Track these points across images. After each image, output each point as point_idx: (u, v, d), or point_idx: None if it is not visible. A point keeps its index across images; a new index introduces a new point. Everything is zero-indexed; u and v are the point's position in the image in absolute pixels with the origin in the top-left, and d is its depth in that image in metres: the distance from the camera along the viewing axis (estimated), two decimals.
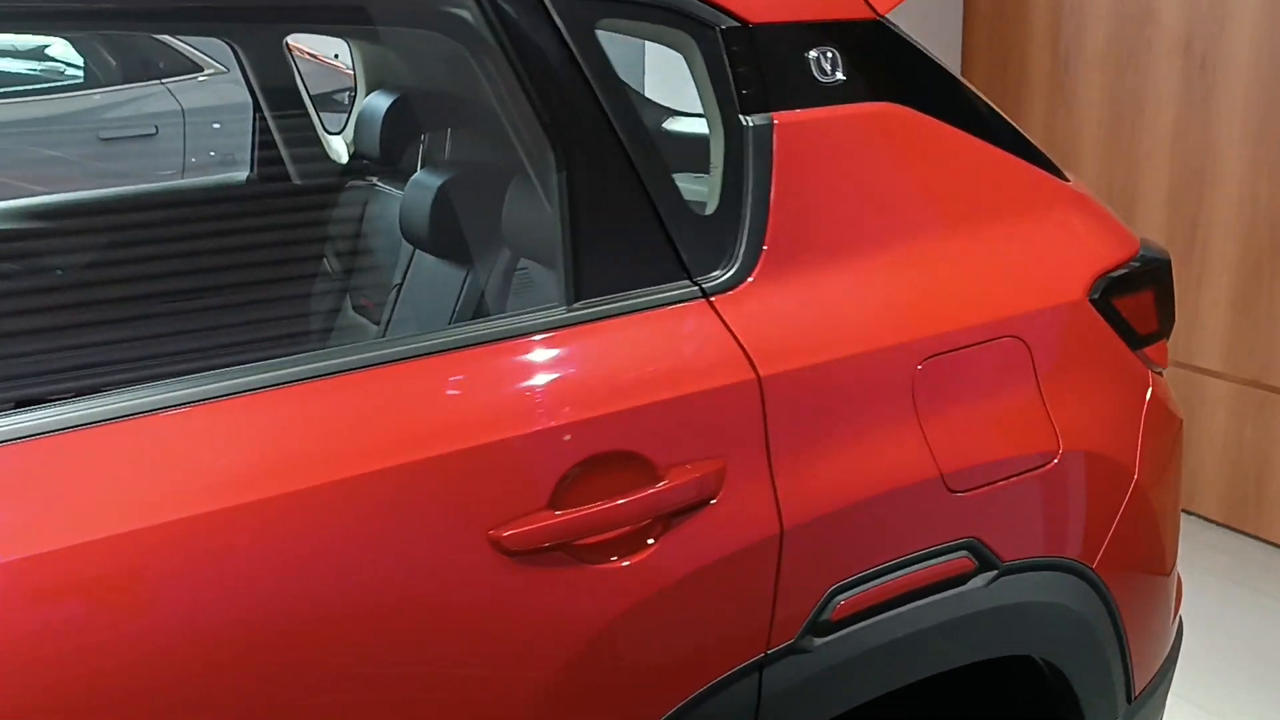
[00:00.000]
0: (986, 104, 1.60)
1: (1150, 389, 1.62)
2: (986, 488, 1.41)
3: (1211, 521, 3.41)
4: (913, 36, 1.56)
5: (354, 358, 1.16)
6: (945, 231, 1.47)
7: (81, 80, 4.84)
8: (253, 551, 1.04)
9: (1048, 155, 1.65)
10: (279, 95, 2.26)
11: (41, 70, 4.91)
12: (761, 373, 1.28)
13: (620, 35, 1.38)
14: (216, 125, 4.52)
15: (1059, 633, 1.50)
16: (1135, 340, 1.59)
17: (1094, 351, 1.55)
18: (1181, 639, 1.83)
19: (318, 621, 1.07)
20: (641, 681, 1.24)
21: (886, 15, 1.50)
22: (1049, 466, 1.46)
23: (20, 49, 4.82)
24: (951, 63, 3.89)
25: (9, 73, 4.80)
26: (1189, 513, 3.43)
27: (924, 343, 1.39)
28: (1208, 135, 3.25)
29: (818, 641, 1.31)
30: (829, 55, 1.42)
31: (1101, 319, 1.54)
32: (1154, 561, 1.65)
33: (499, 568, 1.14)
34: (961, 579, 1.41)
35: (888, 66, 1.49)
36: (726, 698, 1.27)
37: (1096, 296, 1.54)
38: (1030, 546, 1.46)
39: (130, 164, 4.57)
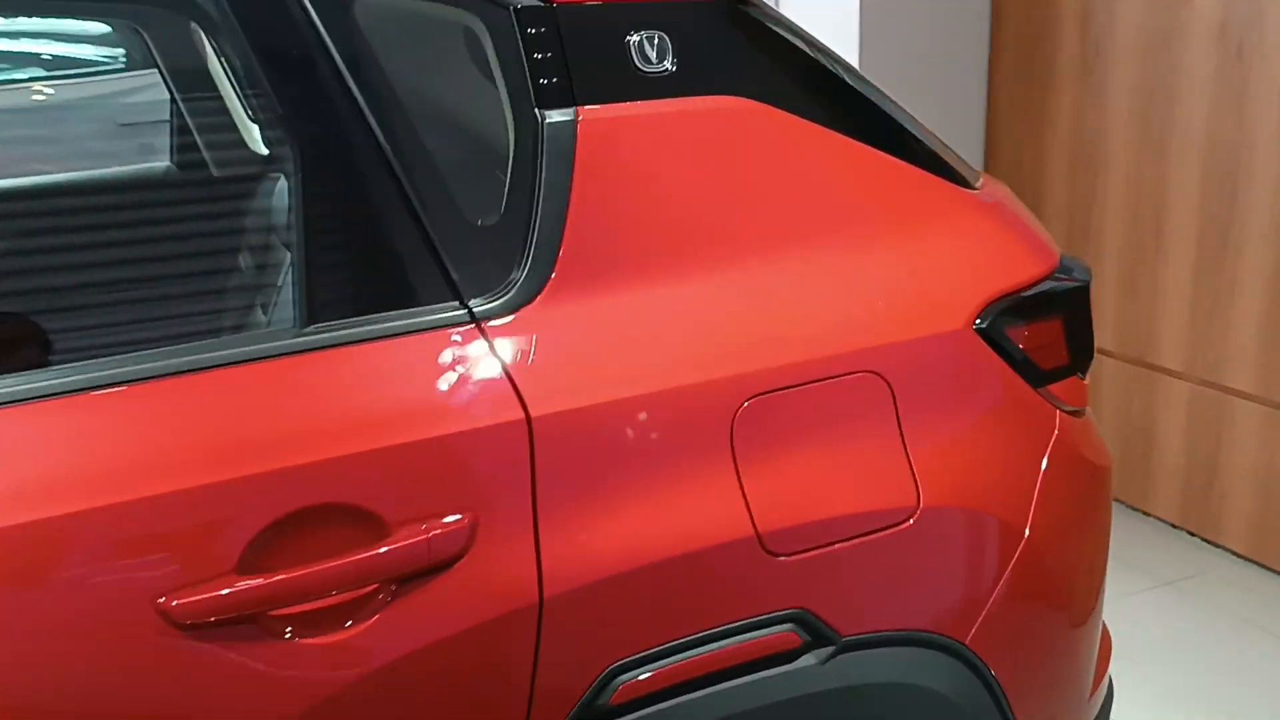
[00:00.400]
0: (873, 100, 1.37)
1: (1056, 433, 1.39)
2: (819, 550, 1.20)
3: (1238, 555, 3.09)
4: (777, 14, 1.34)
5: (22, 386, 1.00)
6: (797, 248, 1.26)
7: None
8: None
9: (950, 157, 1.42)
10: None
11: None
12: (532, 412, 1.09)
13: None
14: None
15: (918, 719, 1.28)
16: (1037, 376, 1.36)
17: (978, 390, 1.33)
18: (1110, 708, 1.59)
19: None
20: None
21: None
22: (905, 525, 1.24)
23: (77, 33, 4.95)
24: (978, 49, 3.62)
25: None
26: (1213, 543, 3.13)
27: (749, 378, 1.18)
28: (1243, 128, 2.93)
29: None
30: (654, 41, 1.22)
31: (991, 352, 1.31)
32: (1054, 633, 1.42)
33: (169, 644, 0.97)
34: (789, 656, 1.20)
35: (732, 54, 1.28)
36: None
37: (985, 325, 1.31)
38: (878, 619, 1.24)
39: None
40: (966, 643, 1.29)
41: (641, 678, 1.13)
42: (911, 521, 1.24)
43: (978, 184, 1.44)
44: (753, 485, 1.17)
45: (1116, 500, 3.28)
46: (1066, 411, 1.42)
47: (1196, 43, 3.02)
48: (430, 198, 1.12)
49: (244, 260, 1.41)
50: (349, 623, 1.02)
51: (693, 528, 1.14)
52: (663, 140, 1.21)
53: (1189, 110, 3.07)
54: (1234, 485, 3.07)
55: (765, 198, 1.26)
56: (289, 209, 1.10)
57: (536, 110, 1.16)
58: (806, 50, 1.35)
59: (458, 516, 1.05)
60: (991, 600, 1.31)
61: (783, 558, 1.18)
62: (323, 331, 1.07)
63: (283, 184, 1.11)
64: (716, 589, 1.16)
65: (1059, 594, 1.42)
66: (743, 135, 1.25)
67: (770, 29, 1.31)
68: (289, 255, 1.11)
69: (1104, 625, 1.59)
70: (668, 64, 1.22)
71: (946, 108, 3.57)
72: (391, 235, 1.11)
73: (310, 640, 1.01)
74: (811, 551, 1.19)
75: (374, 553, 1.02)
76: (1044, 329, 1.37)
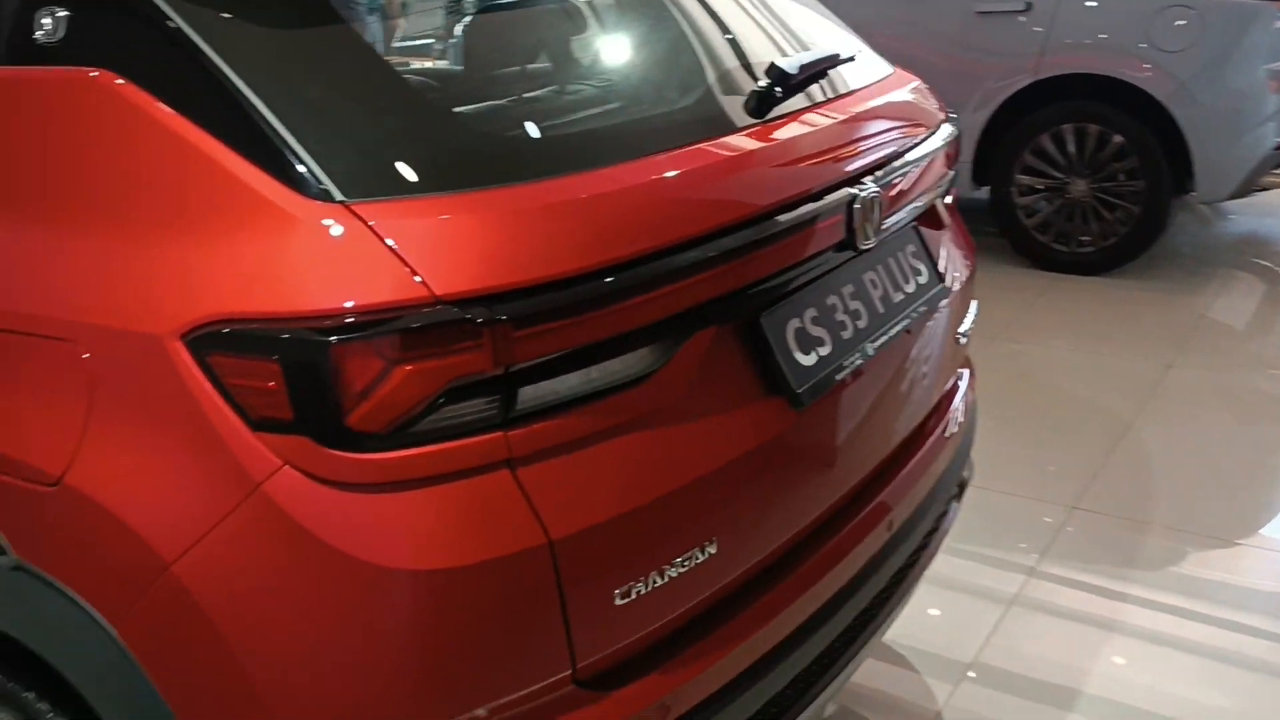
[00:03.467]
0: (245, 101, 1.28)
1: (262, 489, 1.21)
2: None
3: None
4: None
5: None
6: (94, 210, 1.34)
7: None
8: None
9: (299, 165, 1.26)
10: None
11: None
12: None
13: None
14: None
15: None
16: (251, 420, 1.22)
17: (166, 404, 1.25)
18: None
19: None
20: None
21: None
22: (45, 489, 1.31)
23: None
24: None
25: None
26: None
27: None
28: None
29: None
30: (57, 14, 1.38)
31: (199, 372, 1.23)
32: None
33: None
34: None
35: (115, 34, 1.37)
36: None
37: (192, 339, 1.23)
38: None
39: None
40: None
41: None
42: (51, 486, 1.31)
43: (337, 200, 1.24)
44: None
45: None
46: (309, 475, 1.21)
47: None
48: None
49: None
50: None
51: None
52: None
53: None
54: None
55: (84, 161, 1.35)
56: None
57: None
58: (182, 30, 1.32)
59: None
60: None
61: None
62: None
63: None
64: None
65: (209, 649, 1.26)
66: (90, 106, 1.35)
67: (156, 11, 1.32)
68: None
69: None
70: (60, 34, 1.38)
71: None
72: None
73: None
74: None
75: None
76: (252, 368, 1.21)
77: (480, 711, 1.28)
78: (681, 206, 1.42)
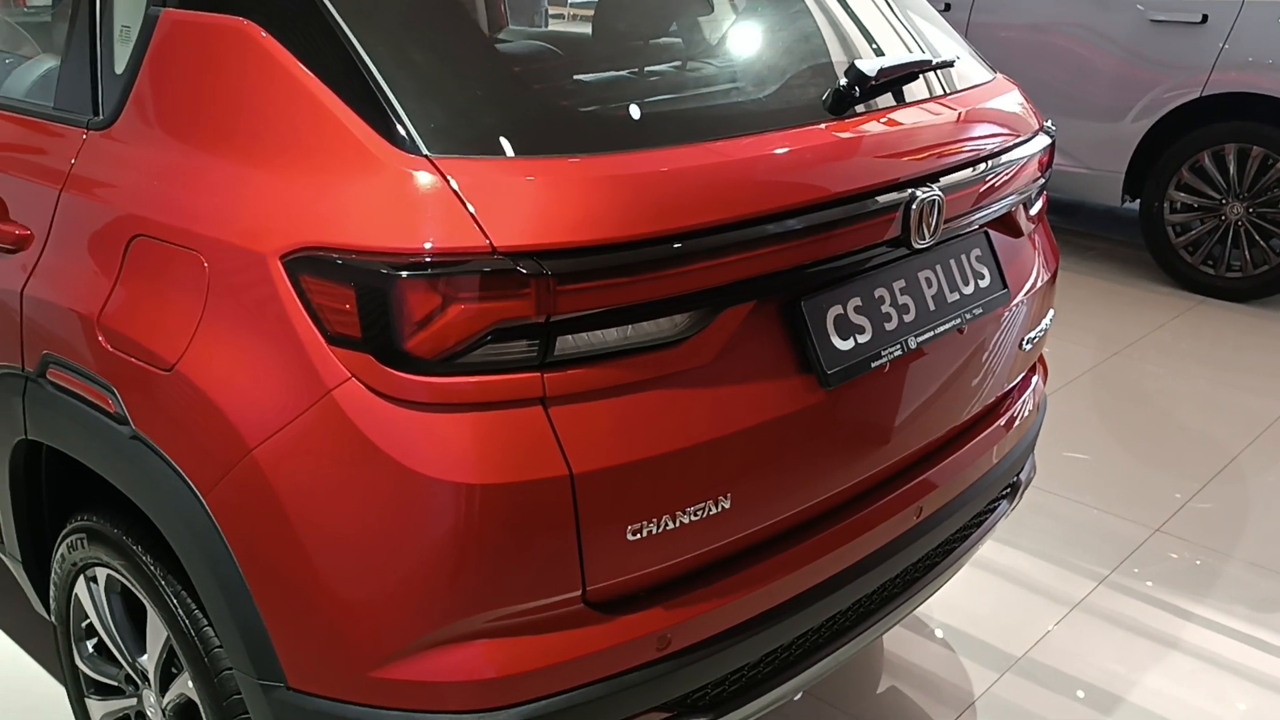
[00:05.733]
0: (355, 55, 1.49)
1: (331, 395, 1.41)
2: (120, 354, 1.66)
3: None
4: None
5: None
6: (227, 141, 1.57)
7: None
8: None
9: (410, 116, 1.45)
10: None
11: None
12: None
13: None
14: None
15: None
16: (328, 335, 1.43)
17: (263, 314, 1.47)
18: None
19: None
20: None
21: None
22: (162, 373, 1.58)
23: None
24: None
25: None
26: None
27: (138, 220, 1.63)
28: None
29: None
30: None
31: (291, 289, 1.44)
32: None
33: None
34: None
35: None
36: None
37: (289, 260, 1.44)
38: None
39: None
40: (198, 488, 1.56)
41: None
42: (166, 371, 1.57)
43: (423, 157, 1.42)
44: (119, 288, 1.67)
45: None
46: (369, 388, 1.40)
47: None
48: None
49: None
50: None
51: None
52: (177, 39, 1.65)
53: None
54: None
55: (212, 93, 1.60)
56: None
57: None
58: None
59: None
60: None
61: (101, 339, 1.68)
62: None
63: None
64: None
65: (277, 535, 1.48)
66: (231, 50, 1.57)
67: None
68: None
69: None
70: None
71: None
72: None
73: None
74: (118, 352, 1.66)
75: None
76: (332, 291, 1.41)
77: (500, 612, 1.46)
78: (730, 190, 1.55)
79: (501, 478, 1.40)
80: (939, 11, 2.32)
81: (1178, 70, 5.07)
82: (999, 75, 2.22)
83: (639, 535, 1.50)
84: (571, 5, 2.40)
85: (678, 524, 1.53)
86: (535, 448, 1.42)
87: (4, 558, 2.22)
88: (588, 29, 2.08)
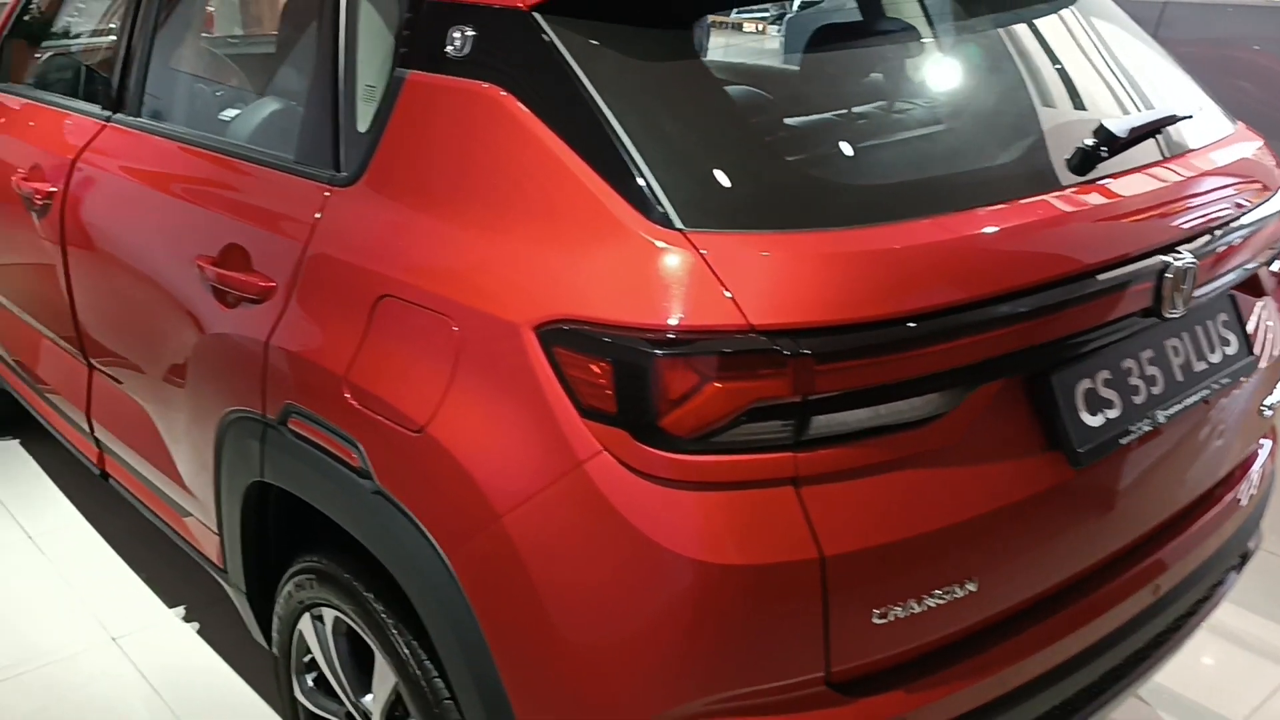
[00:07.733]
0: (601, 117, 1.49)
1: (583, 468, 1.42)
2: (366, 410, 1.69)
3: None
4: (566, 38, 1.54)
5: None
6: (475, 205, 1.58)
7: None
8: None
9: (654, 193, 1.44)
10: None
11: None
12: None
13: None
14: None
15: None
16: (581, 408, 1.42)
17: (515, 382, 1.47)
18: None
19: None
20: None
21: (532, 9, 1.56)
22: (410, 433, 1.60)
23: None
24: None
25: None
26: None
27: (386, 280, 1.66)
28: None
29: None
30: (464, 33, 1.65)
31: (545, 359, 1.45)
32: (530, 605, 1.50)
33: None
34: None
35: (507, 54, 1.59)
36: None
37: (543, 331, 1.45)
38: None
39: None
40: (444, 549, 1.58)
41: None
42: (415, 432, 1.59)
43: (673, 231, 1.42)
44: (366, 346, 1.69)
45: None
46: (620, 462, 1.40)
47: None
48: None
49: None
50: None
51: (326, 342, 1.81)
52: (436, 105, 1.68)
53: None
54: None
55: (471, 160, 1.61)
56: None
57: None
58: (566, 64, 1.52)
59: None
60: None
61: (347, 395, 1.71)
62: None
63: None
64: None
65: (529, 591, 1.49)
66: (481, 116, 1.60)
67: (548, 42, 1.54)
68: None
69: None
70: (466, 50, 1.64)
71: None
72: None
73: None
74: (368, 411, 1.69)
75: None
76: (588, 365, 1.41)
77: (742, 690, 1.44)
78: (987, 263, 1.50)
79: (755, 559, 1.39)
80: None
81: None
82: (1240, 124, 2.11)
83: (885, 618, 1.47)
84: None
85: (924, 607, 1.49)
86: (788, 529, 1.40)
87: (226, 587, 2.30)
88: (777, 62, 2.06)
